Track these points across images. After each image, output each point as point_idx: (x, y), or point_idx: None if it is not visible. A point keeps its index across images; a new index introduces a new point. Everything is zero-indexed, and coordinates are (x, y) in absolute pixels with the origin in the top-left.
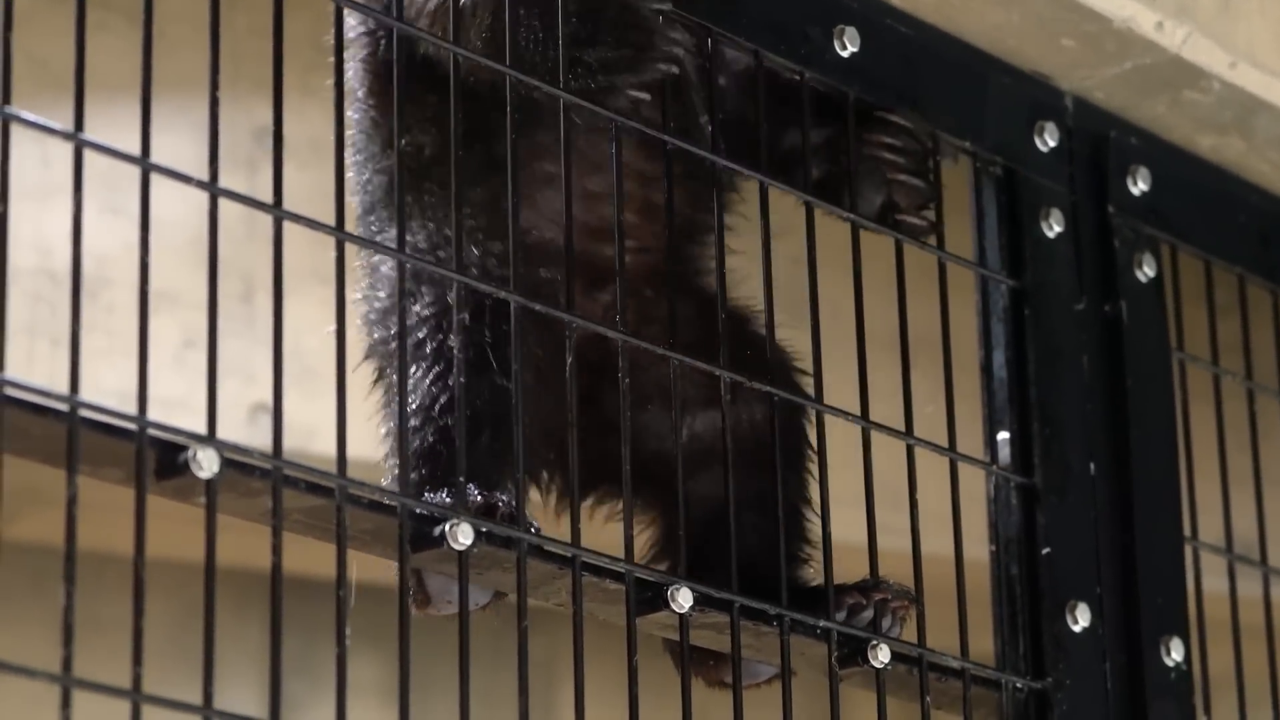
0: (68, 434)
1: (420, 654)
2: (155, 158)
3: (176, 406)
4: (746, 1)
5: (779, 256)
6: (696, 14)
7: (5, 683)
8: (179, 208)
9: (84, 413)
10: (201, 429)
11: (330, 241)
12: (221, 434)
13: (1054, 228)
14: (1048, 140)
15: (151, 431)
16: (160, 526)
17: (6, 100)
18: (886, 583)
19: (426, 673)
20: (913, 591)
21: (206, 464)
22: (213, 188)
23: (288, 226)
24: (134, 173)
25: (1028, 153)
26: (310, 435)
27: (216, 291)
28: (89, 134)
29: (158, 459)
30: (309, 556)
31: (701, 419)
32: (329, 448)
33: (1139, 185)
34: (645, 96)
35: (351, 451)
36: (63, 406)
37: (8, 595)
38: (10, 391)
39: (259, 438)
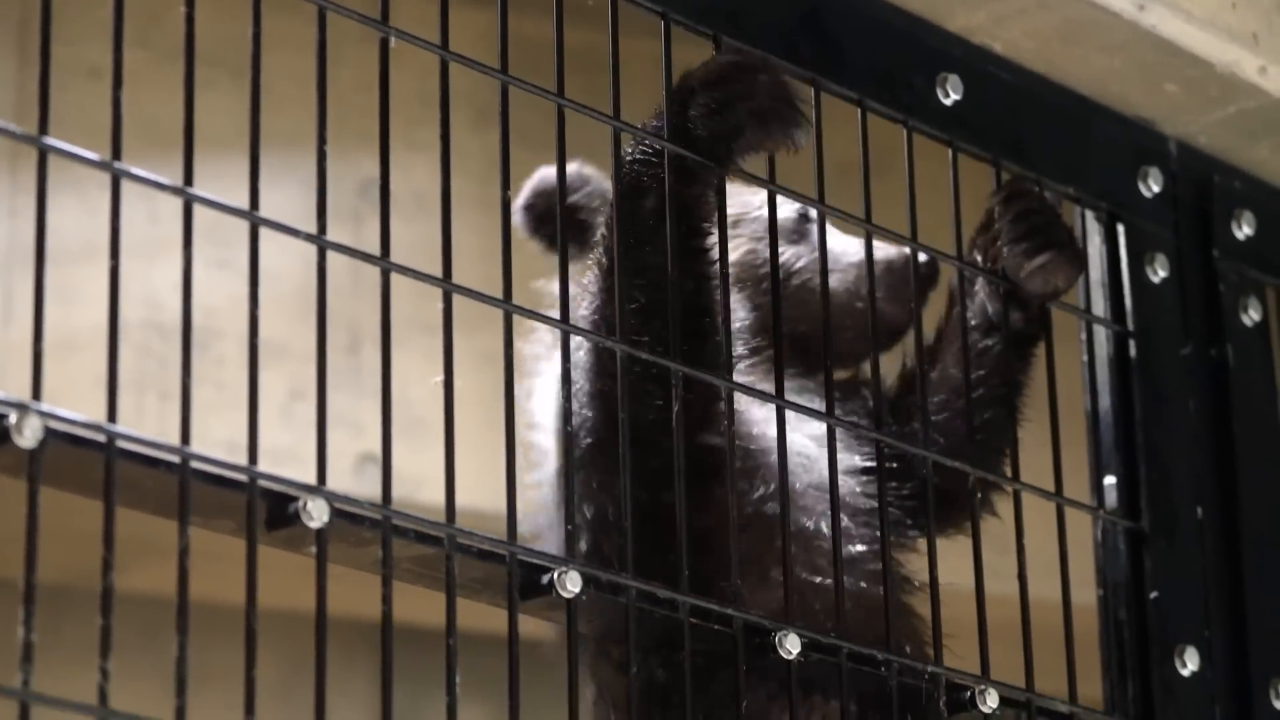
0: (179, 486)
1: (528, 703)
2: (263, 212)
3: (283, 457)
4: (850, 52)
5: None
6: (802, 65)
7: None
8: (284, 261)
9: (195, 465)
10: (309, 479)
11: (435, 292)
12: (329, 485)
13: (1159, 273)
14: (1152, 185)
15: (262, 483)
16: (267, 577)
17: (117, 156)
18: None
19: None
20: None
21: (317, 514)
22: (320, 240)
23: (393, 278)
24: (241, 226)
25: (1132, 198)
26: (417, 485)
27: (325, 340)
28: (198, 189)
29: (268, 510)
30: (415, 607)
31: None
32: (436, 498)
33: (1244, 229)
34: None
35: (459, 501)
36: (174, 459)
37: (118, 647)
38: (122, 444)
39: (366, 488)
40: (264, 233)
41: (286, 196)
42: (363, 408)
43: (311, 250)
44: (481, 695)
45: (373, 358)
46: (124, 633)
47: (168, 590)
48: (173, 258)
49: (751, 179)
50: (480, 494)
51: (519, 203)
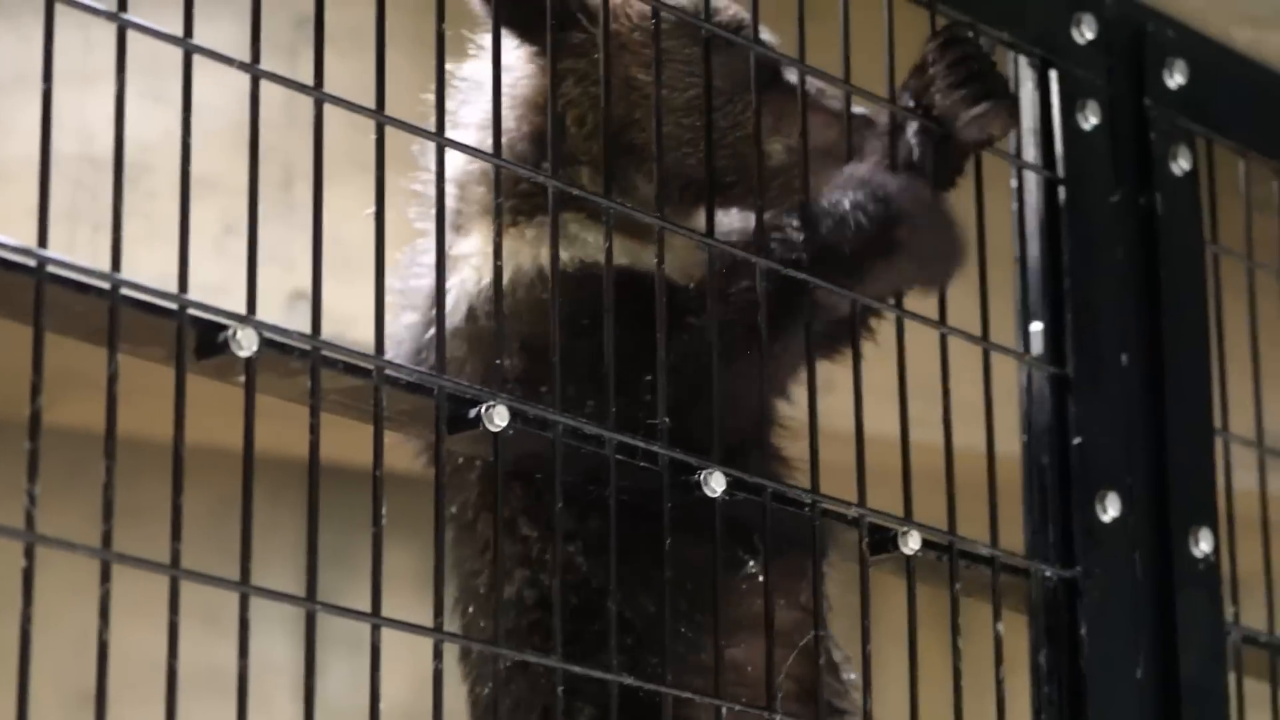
0: (109, 312)
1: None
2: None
3: (215, 292)
4: None
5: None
6: None
7: (45, 563)
8: (218, 95)
9: (125, 291)
10: (241, 313)
11: (369, 128)
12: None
13: (1090, 120)
14: (1085, 32)
15: (192, 311)
16: (194, 415)
17: None
18: None
19: None
20: None
21: (246, 343)
22: (254, 69)
23: (327, 113)
24: (175, 58)
25: (1065, 44)
26: (348, 323)
27: (258, 172)
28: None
29: (198, 338)
30: (344, 446)
31: None
32: (366, 335)
33: (1176, 78)
34: None
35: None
36: (104, 285)
37: (43, 481)
38: (53, 269)
39: (296, 325)
40: (198, 66)
41: (221, 29)
42: (295, 244)
43: (244, 84)
44: (408, 535)
45: (305, 194)
46: (49, 466)
47: (94, 424)
48: (105, 88)
49: (687, 18)
50: None
51: None
